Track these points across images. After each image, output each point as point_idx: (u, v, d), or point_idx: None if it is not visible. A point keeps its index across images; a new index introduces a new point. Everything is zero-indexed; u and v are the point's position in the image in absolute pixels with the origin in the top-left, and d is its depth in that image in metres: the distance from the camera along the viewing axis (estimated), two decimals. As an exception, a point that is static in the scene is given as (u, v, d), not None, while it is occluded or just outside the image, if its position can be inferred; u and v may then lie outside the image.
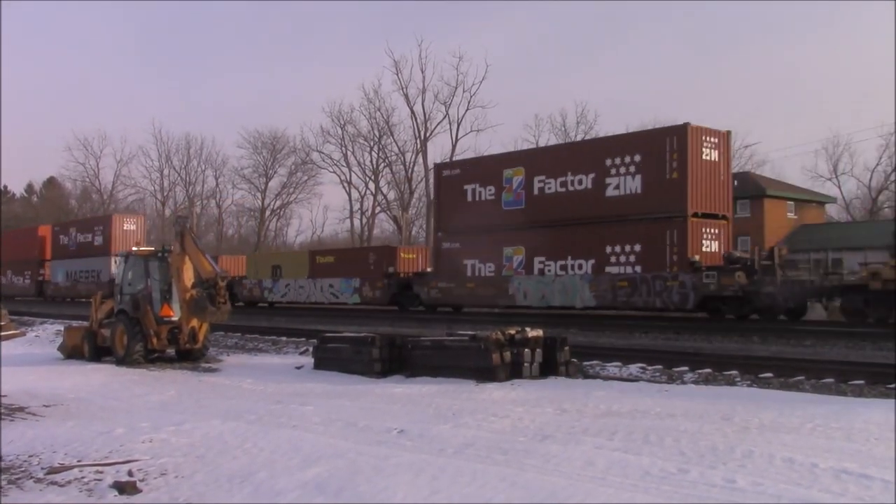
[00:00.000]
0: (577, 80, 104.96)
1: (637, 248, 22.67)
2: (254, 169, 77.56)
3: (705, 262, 21.50)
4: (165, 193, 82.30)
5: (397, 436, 8.83)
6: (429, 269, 30.85)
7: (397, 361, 15.37)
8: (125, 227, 46.38)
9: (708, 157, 21.98)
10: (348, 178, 71.10)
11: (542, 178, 25.19)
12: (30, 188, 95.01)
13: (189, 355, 18.57)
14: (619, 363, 15.20)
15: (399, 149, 66.91)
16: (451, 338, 14.89)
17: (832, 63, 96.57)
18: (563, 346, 14.52)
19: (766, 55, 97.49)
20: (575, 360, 14.86)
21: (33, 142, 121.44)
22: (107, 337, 19.07)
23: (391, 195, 70.67)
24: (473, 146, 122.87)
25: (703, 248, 21.81)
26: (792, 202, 49.43)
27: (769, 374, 13.32)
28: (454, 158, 56.30)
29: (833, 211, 59.31)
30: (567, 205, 24.42)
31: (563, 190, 24.62)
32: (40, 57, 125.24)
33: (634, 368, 14.74)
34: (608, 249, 23.25)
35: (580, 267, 24.04)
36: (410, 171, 66.07)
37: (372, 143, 68.00)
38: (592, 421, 9.52)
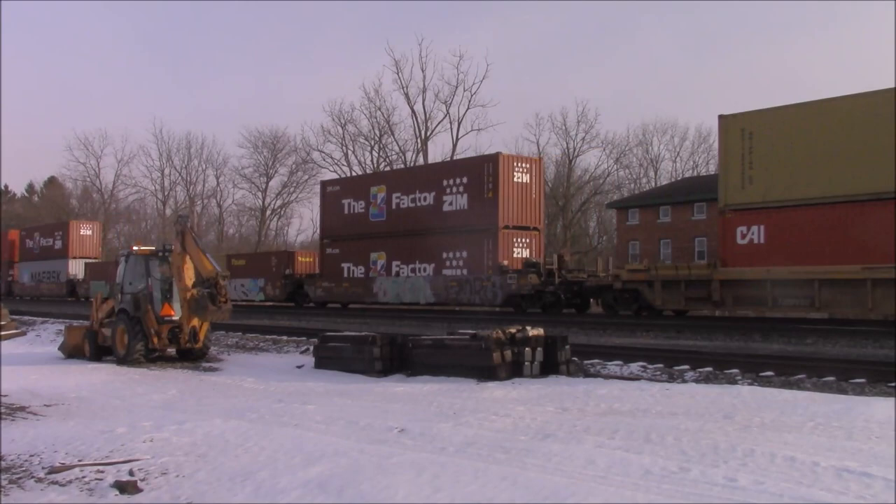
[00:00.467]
0: (578, 79, 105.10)
1: (464, 254, 27.33)
2: (254, 168, 77.66)
3: (514, 267, 26.00)
4: (166, 193, 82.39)
5: (398, 435, 8.83)
6: (317, 271, 34.86)
7: (398, 360, 15.38)
8: (82, 233, 52.03)
9: (519, 180, 26.84)
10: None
11: (399, 194, 30.15)
12: (31, 188, 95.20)
13: (190, 354, 18.59)
14: (620, 362, 15.20)
15: (400, 148, 66.93)
16: (452, 337, 14.88)
17: (832, 62, 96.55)
18: (564, 344, 14.52)
19: (766, 53, 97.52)
20: (576, 358, 14.87)
21: (34, 141, 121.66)
22: (108, 336, 19.09)
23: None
24: (474, 145, 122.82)
25: (515, 255, 26.47)
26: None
27: (770, 373, 13.33)
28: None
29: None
30: (416, 217, 29.19)
31: (414, 205, 29.57)
32: (41, 56, 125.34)
33: (635, 367, 14.74)
34: (444, 255, 27.93)
35: (424, 270, 28.83)
36: (411, 170, 66.10)
37: (372, 143, 68.00)
38: (594, 420, 9.52)
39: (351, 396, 12.37)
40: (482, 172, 27.00)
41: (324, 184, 36.27)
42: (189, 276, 17.57)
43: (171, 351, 18.84)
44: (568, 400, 11.19)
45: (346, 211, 32.24)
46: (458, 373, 13.86)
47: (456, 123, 63.21)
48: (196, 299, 17.24)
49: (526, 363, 13.92)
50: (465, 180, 27.58)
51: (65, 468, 7.75)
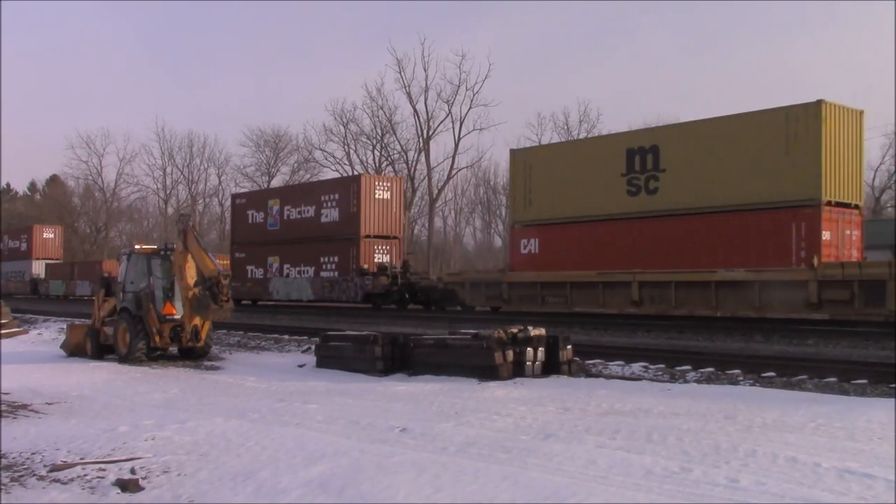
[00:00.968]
0: (580, 79, 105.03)
1: (336, 259, 31.80)
2: (256, 167, 77.60)
3: (372, 270, 30.42)
4: (168, 191, 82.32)
5: (400, 434, 8.83)
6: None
7: (399, 360, 15.37)
8: (45, 236, 57.67)
9: (381, 197, 31.75)
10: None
11: (289, 207, 34.76)
12: (33, 186, 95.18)
13: (192, 353, 18.60)
14: (621, 362, 15.20)
15: (402, 147, 66.86)
16: (454, 336, 14.88)
17: (832, 62, 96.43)
18: (566, 344, 14.51)
19: (767, 52, 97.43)
20: (577, 358, 14.87)
21: (36, 140, 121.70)
22: (109, 335, 19.09)
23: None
24: (476, 144, 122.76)
25: (376, 260, 30.96)
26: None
27: (772, 374, 13.32)
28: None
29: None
30: (302, 227, 33.77)
31: (300, 217, 34.08)
32: (43, 56, 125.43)
33: (637, 367, 14.74)
34: (321, 260, 32.32)
35: (307, 272, 33.23)
36: (413, 169, 66.02)
37: (374, 142, 67.91)
38: (595, 420, 9.52)
39: (352, 396, 12.37)
40: (349, 190, 32.04)
41: (233, 196, 42.31)
42: (191, 275, 17.58)
43: (173, 350, 18.85)
44: (569, 400, 11.19)
45: (249, 221, 36.84)
46: (459, 372, 13.85)
47: (458, 123, 63.10)
48: (198, 298, 17.25)
49: (528, 363, 13.91)
50: (336, 196, 32.36)
51: (67, 466, 7.76)
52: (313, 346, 18.10)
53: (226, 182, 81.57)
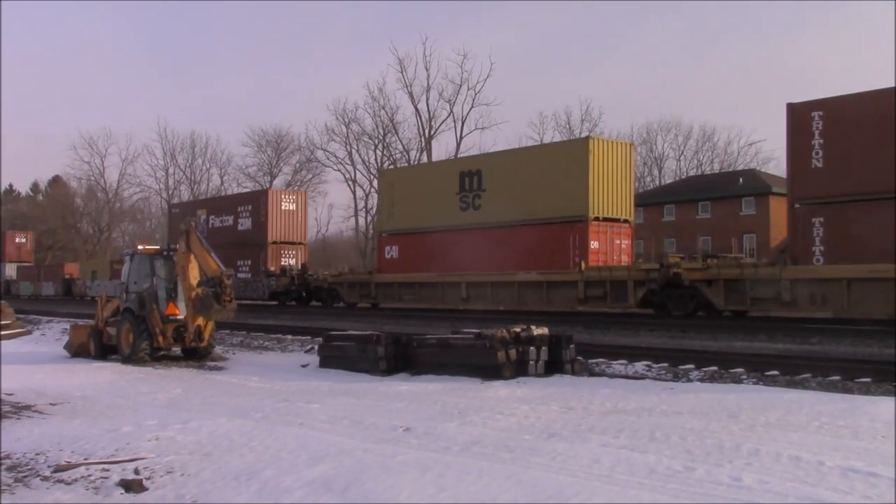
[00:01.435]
0: (582, 78, 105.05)
1: (249, 262, 36.26)
2: (258, 167, 77.86)
3: (277, 272, 34.68)
4: (170, 192, 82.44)
5: (403, 434, 8.83)
6: None
7: (402, 359, 15.37)
8: (17, 241, 65.13)
9: (287, 208, 36.50)
10: (353, 176, 71.37)
11: (213, 216, 39.67)
12: (35, 187, 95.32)
13: (195, 353, 18.61)
14: (624, 361, 15.18)
15: (403, 147, 67.04)
16: (457, 336, 14.87)
17: (833, 62, 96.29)
18: (569, 344, 14.50)
19: (769, 52, 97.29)
20: (580, 358, 14.85)
21: (39, 141, 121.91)
22: (112, 335, 19.12)
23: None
24: (478, 144, 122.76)
25: (283, 263, 35.37)
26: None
27: (775, 372, 13.29)
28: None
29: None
30: (223, 234, 37.53)
31: (222, 225, 38.64)
32: (46, 56, 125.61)
33: (640, 366, 14.72)
34: (238, 263, 35.33)
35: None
36: (414, 169, 66.16)
37: (376, 142, 68.10)
38: (598, 419, 9.51)
39: (355, 395, 12.37)
40: (259, 202, 36.85)
41: (170, 206, 49.53)
42: (194, 276, 17.60)
43: (176, 350, 18.87)
44: (573, 399, 11.18)
45: None
46: (462, 372, 13.85)
47: (460, 122, 63.32)
48: (201, 298, 17.26)
49: (531, 362, 13.90)
50: (249, 207, 37.12)
51: (70, 466, 7.77)
52: (316, 346, 18.11)
53: (228, 182, 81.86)
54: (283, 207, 36.31)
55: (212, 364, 18.05)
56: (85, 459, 8.07)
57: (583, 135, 61.57)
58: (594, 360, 15.35)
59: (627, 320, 22.19)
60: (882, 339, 16.18)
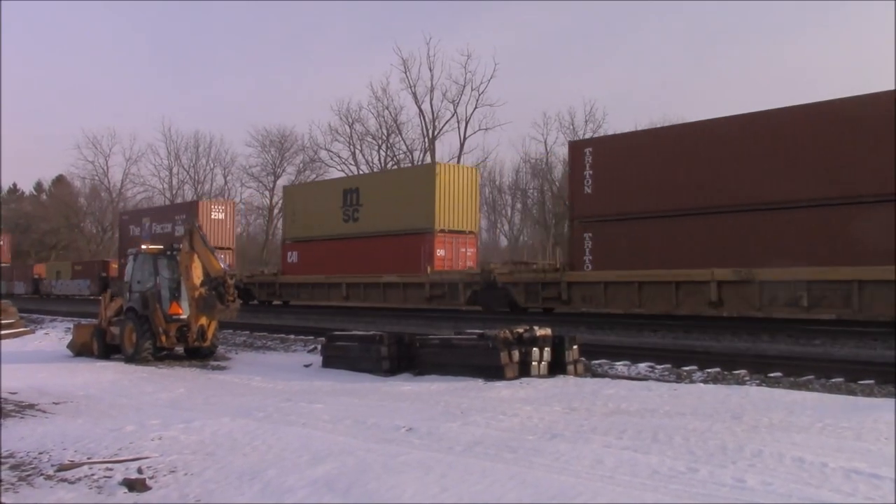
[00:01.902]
0: (582, 78, 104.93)
1: None
2: (262, 167, 77.81)
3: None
4: (174, 191, 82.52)
5: (406, 434, 8.84)
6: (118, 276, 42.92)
7: (405, 359, 15.38)
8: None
9: (216, 217, 40.75)
10: (355, 176, 71.43)
11: (156, 223, 43.51)
12: (39, 186, 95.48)
13: (198, 353, 18.64)
14: (627, 362, 15.19)
15: (407, 147, 66.98)
16: (460, 336, 14.87)
17: (832, 62, 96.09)
18: (572, 344, 14.49)
19: (769, 52, 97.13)
20: (583, 358, 14.84)
21: (43, 140, 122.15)
22: (116, 335, 19.15)
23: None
24: (482, 144, 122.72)
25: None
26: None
27: (778, 374, 13.29)
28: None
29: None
30: (164, 240, 38.00)
31: (163, 232, 41.20)
32: (49, 56, 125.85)
33: (643, 367, 14.72)
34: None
35: None
36: (417, 169, 66.21)
37: (380, 142, 68.07)
38: (601, 419, 9.50)
39: (358, 395, 12.38)
40: (190, 212, 39.42)
41: (120, 213, 55.42)
42: (197, 275, 17.63)
43: (179, 349, 18.89)
44: (576, 400, 11.18)
45: (130, 234, 45.49)
46: (465, 372, 13.85)
47: (463, 123, 63.32)
48: (204, 298, 17.29)
49: (534, 363, 13.89)
50: (184, 216, 39.31)
51: (74, 466, 7.78)
52: (319, 346, 18.12)
53: (232, 182, 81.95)
54: (213, 216, 40.76)
55: (215, 364, 18.07)
56: (88, 458, 8.08)
57: (587, 135, 61.71)
58: (597, 361, 15.35)
59: (629, 321, 22.17)
60: (885, 341, 16.16)
